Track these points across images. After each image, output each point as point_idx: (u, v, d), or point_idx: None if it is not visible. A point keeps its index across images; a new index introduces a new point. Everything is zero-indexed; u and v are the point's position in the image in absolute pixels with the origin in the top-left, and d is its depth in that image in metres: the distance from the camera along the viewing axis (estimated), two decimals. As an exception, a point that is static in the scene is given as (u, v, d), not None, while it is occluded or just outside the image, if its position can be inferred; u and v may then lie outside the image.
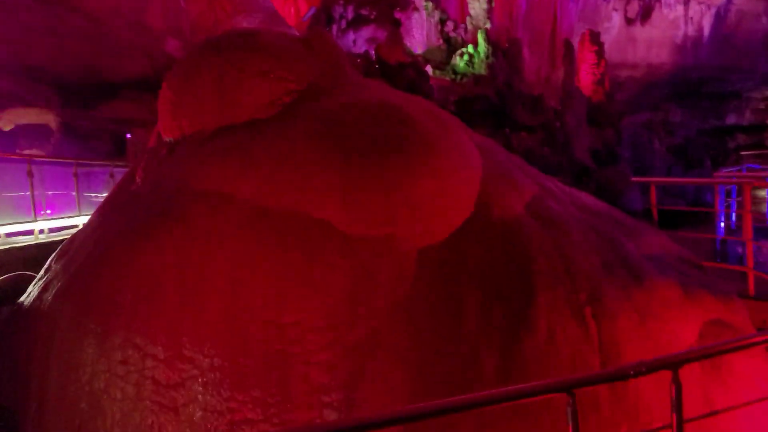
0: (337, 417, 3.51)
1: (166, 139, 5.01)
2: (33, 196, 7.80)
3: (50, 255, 8.05)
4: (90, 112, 20.77)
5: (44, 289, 4.21)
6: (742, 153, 24.88)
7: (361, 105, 4.68)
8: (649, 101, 30.28)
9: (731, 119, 32.06)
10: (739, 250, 7.46)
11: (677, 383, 2.03)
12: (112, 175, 11.41)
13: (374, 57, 12.20)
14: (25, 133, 19.24)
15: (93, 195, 11.92)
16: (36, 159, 8.52)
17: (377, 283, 3.87)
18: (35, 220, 7.98)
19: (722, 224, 8.56)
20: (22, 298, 4.41)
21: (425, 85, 10.50)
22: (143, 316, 3.72)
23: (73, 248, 4.43)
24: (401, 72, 11.00)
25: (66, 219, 9.06)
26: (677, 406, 2.03)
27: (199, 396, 3.54)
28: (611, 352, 3.74)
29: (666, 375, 2.31)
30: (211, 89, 4.77)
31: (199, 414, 3.49)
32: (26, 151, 17.76)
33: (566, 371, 3.63)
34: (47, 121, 20.02)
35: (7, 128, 19.39)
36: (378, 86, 5.50)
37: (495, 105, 12.54)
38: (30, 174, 7.80)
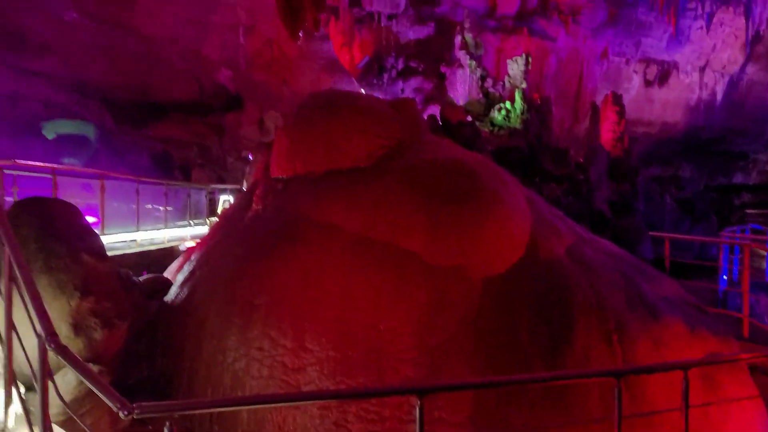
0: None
1: (279, 176, 5.99)
2: (138, 211, 8.84)
3: (144, 261, 9.01)
4: (141, 130, 21.47)
5: (192, 291, 5.16)
6: (747, 211, 25.49)
7: (439, 161, 5.65)
8: (661, 156, 31.11)
9: (738, 178, 32.76)
10: (738, 301, 8.27)
11: (686, 380, 2.90)
12: (189, 195, 12.50)
13: (439, 116, 13.41)
14: (66, 143, 19.94)
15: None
16: (142, 180, 9.49)
17: (451, 302, 4.79)
18: (137, 230, 9.00)
19: (725, 277, 9.41)
20: (168, 297, 5.36)
21: (478, 142, 11.56)
22: (275, 315, 4.64)
23: (213, 259, 5.40)
24: (460, 130, 12.11)
25: (155, 231, 10.08)
26: (685, 395, 2.89)
27: (317, 379, 4.43)
28: (631, 369, 4.58)
29: (673, 380, 3.19)
30: (321, 140, 5.76)
31: (316, 391, 4.37)
32: (65, 161, 18.45)
33: (596, 382, 4.49)
34: (87, 133, 20.75)
35: (50, 137, 20.19)
36: (448, 144, 6.46)
37: (526, 156, 13.56)
38: (137, 191, 8.87)
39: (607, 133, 19.02)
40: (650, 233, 10.26)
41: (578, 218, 9.52)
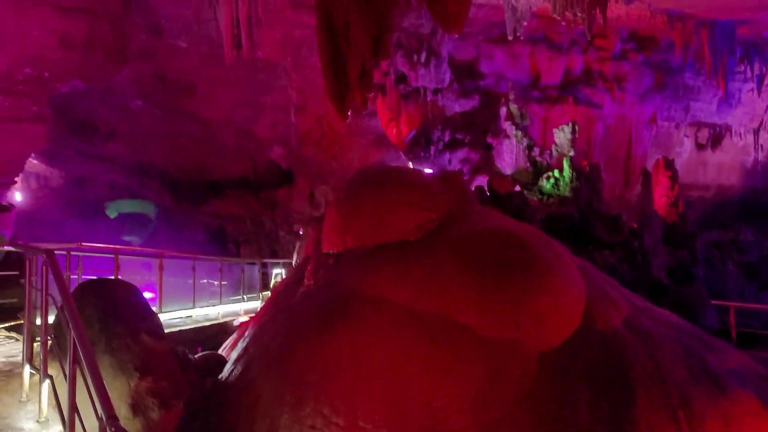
0: (478, 483, 4.22)
1: (330, 251, 6.08)
2: (194, 287, 9.05)
3: (199, 336, 9.13)
4: (198, 207, 22.23)
5: (246, 368, 5.19)
6: (817, 275, 24.19)
7: (489, 232, 5.63)
8: (719, 220, 30.14)
9: (804, 240, 31.30)
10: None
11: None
12: (243, 270, 12.78)
13: (487, 187, 13.58)
14: (127, 221, 20.82)
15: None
16: (198, 257, 9.76)
17: (507, 377, 4.66)
18: (193, 308, 9.19)
19: (798, 346, 8.87)
20: (222, 374, 5.41)
21: (528, 211, 11.54)
22: (328, 392, 4.61)
23: (266, 336, 5.46)
24: (509, 200, 12.17)
25: (210, 307, 10.26)
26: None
27: (370, 458, 4.34)
28: (702, 448, 4.33)
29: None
30: (370, 214, 5.85)
31: (369, 472, 4.27)
32: (126, 237, 19.23)
33: (663, 461, 4.25)
34: (147, 211, 21.63)
35: (112, 216, 21.12)
36: (497, 215, 6.45)
37: (577, 224, 13.37)
38: (193, 269, 9.12)
39: (660, 199, 18.66)
40: (713, 302, 9.83)
41: (635, 287, 9.22)
